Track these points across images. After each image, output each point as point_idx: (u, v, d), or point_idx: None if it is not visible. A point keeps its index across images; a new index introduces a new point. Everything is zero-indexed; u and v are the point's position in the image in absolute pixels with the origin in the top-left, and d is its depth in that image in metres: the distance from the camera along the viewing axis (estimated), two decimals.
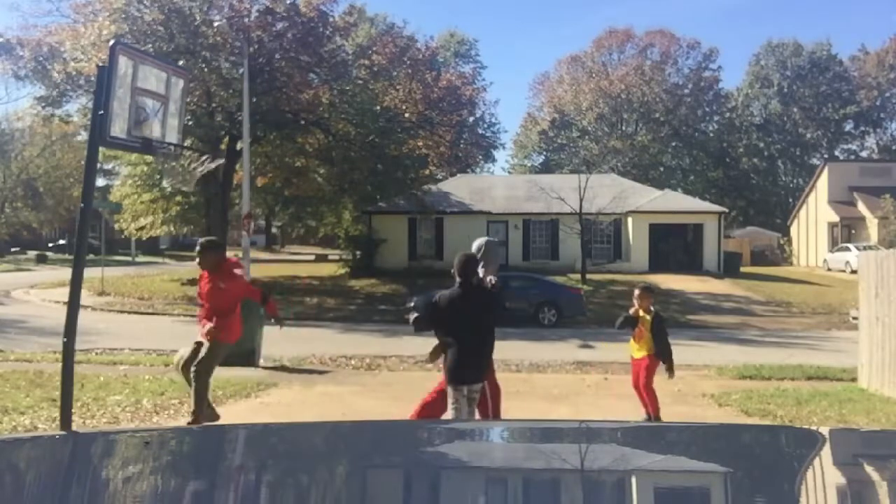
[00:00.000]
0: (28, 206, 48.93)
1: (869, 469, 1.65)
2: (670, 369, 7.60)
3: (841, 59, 60.27)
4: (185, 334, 16.84)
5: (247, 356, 11.49)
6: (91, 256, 21.21)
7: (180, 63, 17.68)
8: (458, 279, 5.72)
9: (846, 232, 38.91)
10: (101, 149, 6.14)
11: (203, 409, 6.70)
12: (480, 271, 6.08)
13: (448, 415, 5.56)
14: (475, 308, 5.65)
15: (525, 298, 19.60)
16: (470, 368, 5.54)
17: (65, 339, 5.32)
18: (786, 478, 1.50)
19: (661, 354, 7.52)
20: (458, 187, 34.58)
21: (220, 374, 10.52)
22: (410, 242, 32.18)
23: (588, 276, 26.33)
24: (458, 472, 1.58)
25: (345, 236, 33.59)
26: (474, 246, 6.33)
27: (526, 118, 64.88)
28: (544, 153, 64.03)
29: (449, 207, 32.18)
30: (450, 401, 5.59)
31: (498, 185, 37.03)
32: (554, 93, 62.42)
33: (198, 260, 6.97)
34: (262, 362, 11.76)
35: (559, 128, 62.08)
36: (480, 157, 46.61)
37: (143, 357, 12.86)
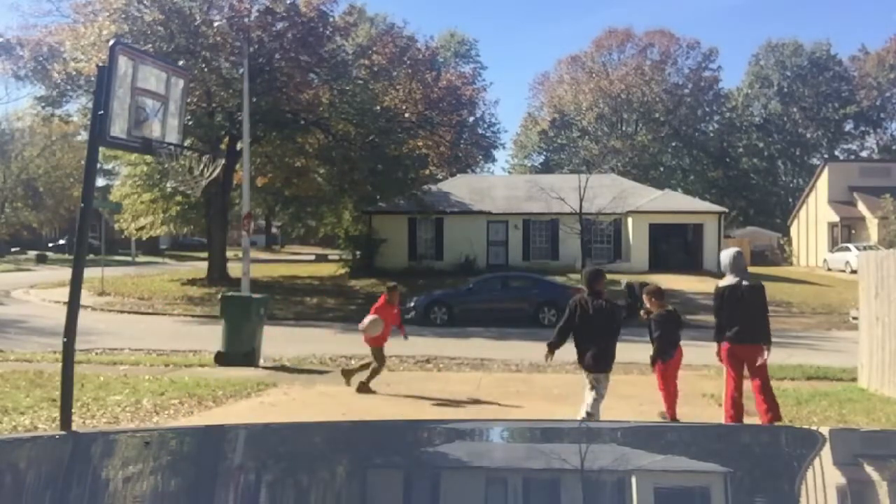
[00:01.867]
0: (28, 206, 48.91)
1: (869, 469, 1.65)
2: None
3: (841, 59, 60.30)
4: (186, 334, 16.91)
5: (247, 356, 11.50)
6: (91, 256, 21.21)
7: (180, 63, 17.68)
8: (585, 289, 7.01)
9: (846, 232, 38.88)
10: (101, 149, 6.14)
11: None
12: (731, 278, 7.13)
13: (587, 395, 6.85)
14: (600, 313, 6.84)
15: (525, 298, 19.66)
16: (600, 360, 6.85)
17: (65, 339, 5.33)
18: (786, 478, 1.50)
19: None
20: (458, 187, 34.55)
21: (221, 374, 10.54)
22: (410, 242, 32.14)
23: None
24: (458, 472, 1.57)
25: (345, 236, 33.54)
26: (724, 256, 7.33)
27: (526, 118, 64.96)
28: (544, 153, 64.03)
29: (449, 207, 32.15)
30: (590, 384, 6.90)
31: (498, 185, 36.97)
32: (554, 93, 62.41)
33: (391, 298, 9.85)
34: (262, 362, 11.75)
35: (559, 128, 62.06)
36: (480, 157, 46.56)
37: (143, 357, 12.87)
